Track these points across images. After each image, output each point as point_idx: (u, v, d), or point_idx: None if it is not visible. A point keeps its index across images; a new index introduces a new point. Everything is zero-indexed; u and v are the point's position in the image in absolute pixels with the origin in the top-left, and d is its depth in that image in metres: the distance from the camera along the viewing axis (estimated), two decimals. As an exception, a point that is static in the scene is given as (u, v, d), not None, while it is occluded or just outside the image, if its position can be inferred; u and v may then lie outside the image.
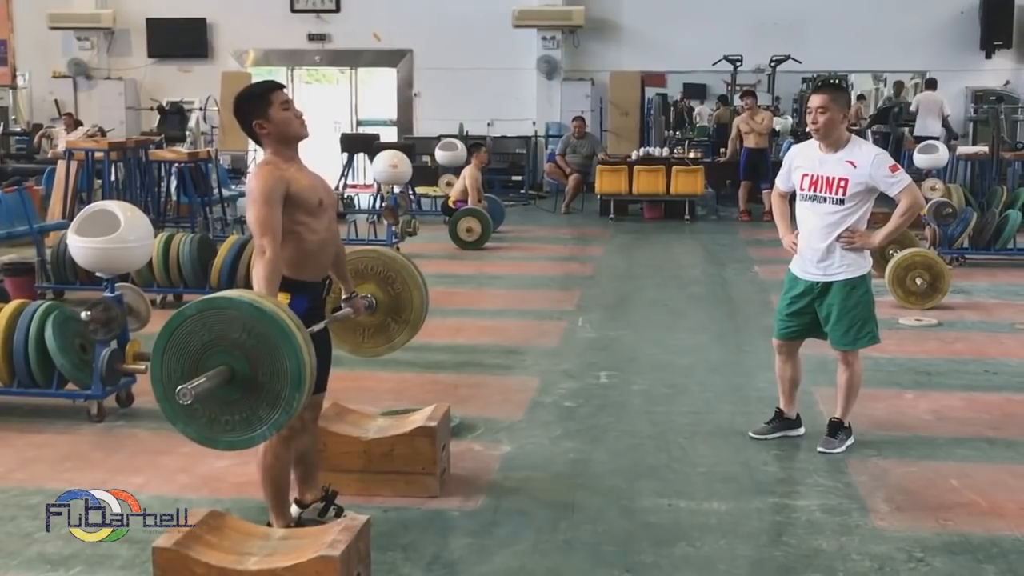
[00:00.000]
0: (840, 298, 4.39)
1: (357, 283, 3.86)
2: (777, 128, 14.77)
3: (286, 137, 3.33)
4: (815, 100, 4.35)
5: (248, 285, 6.44)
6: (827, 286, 4.42)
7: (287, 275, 3.27)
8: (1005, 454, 4.52)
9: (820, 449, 4.50)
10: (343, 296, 3.74)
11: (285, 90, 3.39)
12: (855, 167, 4.30)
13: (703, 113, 20.72)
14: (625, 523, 3.78)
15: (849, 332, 4.42)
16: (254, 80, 16.82)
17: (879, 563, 3.43)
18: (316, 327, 3.24)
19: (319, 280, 3.45)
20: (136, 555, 3.41)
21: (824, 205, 4.36)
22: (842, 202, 4.32)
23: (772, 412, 4.75)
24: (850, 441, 4.55)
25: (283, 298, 3.24)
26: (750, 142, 12.98)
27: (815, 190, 4.38)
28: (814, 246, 4.41)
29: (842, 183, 4.31)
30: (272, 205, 3.19)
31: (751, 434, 4.70)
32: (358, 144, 14.94)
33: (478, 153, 11.76)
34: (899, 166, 4.43)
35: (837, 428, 4.55)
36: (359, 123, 18.18)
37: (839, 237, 4.35)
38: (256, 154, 16.88)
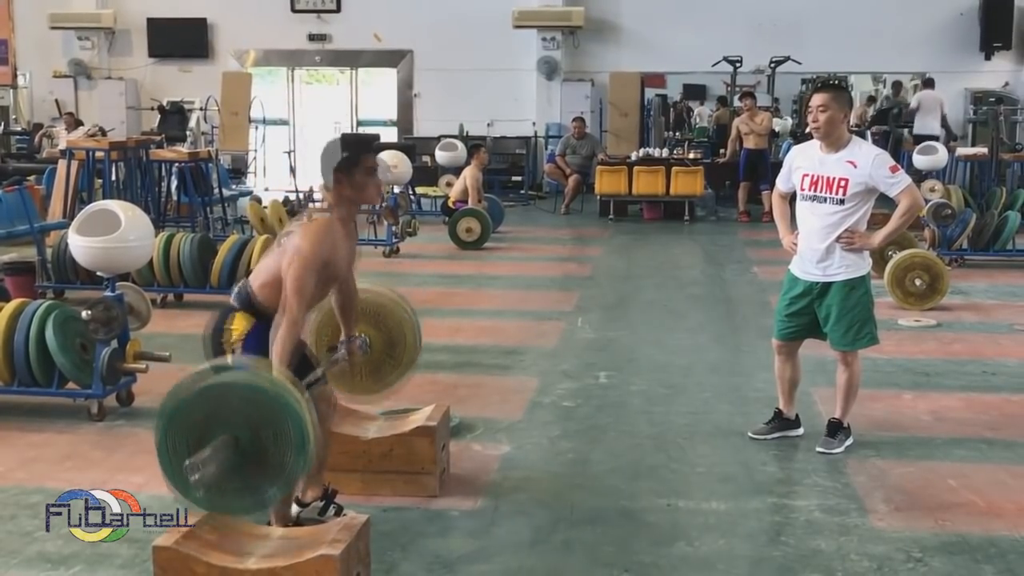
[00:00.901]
0: (839, 299, 4.40)
1: None
2: (776, 129, 14.78)
3: (358, 200, 3.41)
4: (816, 99, 4.36)
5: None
6: (826, 287, 4.42)
7: (268, 307, 3.30)
8: (1003, 454, 4.52)
9: (819, 449, 4.51)
10: (342, 337, 3.74)
11: (376, 153, 3.42)
12: (855, 167, 4.31)
13: (703, 114, 20.72)
14: (624, 523, 3.79)
15: (848, 333, 4.42)
16: (253, 79, 16.44)
17: (877, 563, 3.44)
18: (311, 377, 3.32)
19: None
20: (136, 555, 3.42)
21: (824, 205, 4.36)
22: (842, 202, 4.33)
23: (771, 412, 4.75)
24: (849, 441, 4.56)
25: (248, 322, 3.31)
26: (749, 143, 13.00)
27: (815, 190, 4.39)
28: (814, 246, 4.41)
29: (842, 183, 4.32)
30: (315, 271, 3.24)
31: (750, 434, 4.70)
32: (358, 144, 14.92)
33: (478, 153, 11.75)
34: (899, 167, 4.43)
35: (836, 428, 4.56)
36: (359, 123, 18.16)
37: (839, 238, 4.36)
38: (256, 155, 16.92)
